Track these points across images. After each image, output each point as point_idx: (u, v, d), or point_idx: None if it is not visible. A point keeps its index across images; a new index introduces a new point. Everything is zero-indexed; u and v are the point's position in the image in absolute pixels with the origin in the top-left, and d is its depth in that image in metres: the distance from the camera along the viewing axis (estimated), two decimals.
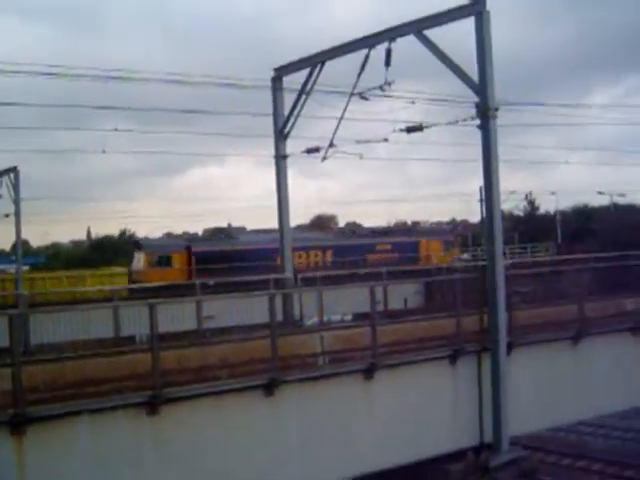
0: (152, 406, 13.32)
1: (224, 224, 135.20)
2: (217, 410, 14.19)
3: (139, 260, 51.40)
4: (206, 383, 14.19)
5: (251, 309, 17.77)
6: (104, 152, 32.42)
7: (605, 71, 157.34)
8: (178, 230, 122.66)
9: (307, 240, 56.10)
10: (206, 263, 47.88)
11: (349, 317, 21.93)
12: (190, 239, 63.22)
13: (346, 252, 54.78)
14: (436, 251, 59.29)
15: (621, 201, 75.48)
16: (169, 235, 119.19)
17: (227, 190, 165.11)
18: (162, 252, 52.10)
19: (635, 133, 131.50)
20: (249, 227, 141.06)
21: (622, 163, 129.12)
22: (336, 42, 21.13)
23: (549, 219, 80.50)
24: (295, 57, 22.45)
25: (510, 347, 17.58)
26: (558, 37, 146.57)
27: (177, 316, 19.14)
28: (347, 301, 20.56)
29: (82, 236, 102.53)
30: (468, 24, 17.44)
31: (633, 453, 26.79)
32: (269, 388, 14.58)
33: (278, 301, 17.73)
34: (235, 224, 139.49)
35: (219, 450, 14.15)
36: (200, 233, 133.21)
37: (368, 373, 15.89)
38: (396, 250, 57.52)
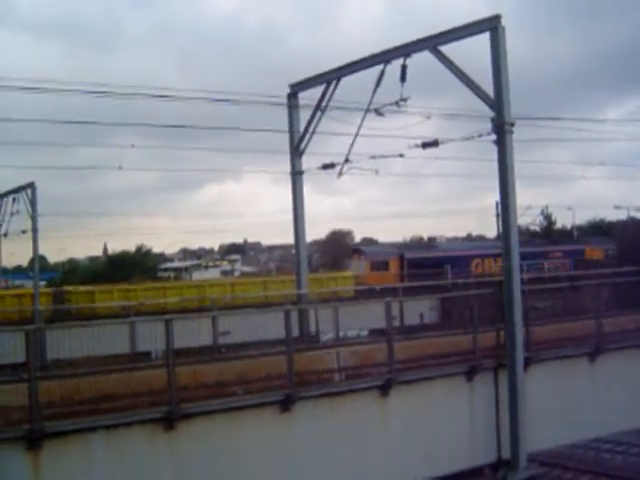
0: (169, 422, 13.34)
1: (240, 240, 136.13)
2: (233, 426, 14.18)
3: (361, 265, 56.49)
4: (222, 399, 14.19)
5: (267, 325, 17.75)
6: (120, 168, 32.54)
7: (618, 85, 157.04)
8: (194, 245, 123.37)
9: (484, 248, 60.60)
10: (415, 268, 52.66)
11: (365, 333, 21.86)
12: (400, 247, 67.74)
13: (522, 259, 56.26)
14: (599, 257, 61.81)
15: (638, 215, 75.03)
16: (185, 251, 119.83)
17: (243, 206, 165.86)
18: (380, 258, 57.58)
19: None
20: (265, 243, 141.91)
21: (638, 177, 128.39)
22: (348, 58, 21.27)
23: (566, 234, 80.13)
24: (306, 74, 22.57)
25: (527, 363, 17.47)
26: (567, 51, 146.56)
27: (193, 331, 19.14)
28: (363, 317, 20.49)
29: (98, 252, 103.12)
30: (483, 38, 17.46)
31: None
32: (285, 404, 14.56)
33: (294, 317, 17.72)
34: (251, 240, 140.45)
35: (235, 466, 14.13)
36: (216, 249, 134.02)
37: (384, 389, 15.84)
38: (567, 257, 60.61)
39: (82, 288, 45.08)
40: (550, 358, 18.48)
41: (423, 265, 52.54)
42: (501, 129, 17.15)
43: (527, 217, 70.60)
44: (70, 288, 45.27)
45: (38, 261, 36.00)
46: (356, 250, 63.90)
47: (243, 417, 14.26)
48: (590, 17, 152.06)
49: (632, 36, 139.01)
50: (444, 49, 18.57)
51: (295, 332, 18.04)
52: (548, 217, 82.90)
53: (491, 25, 17.28)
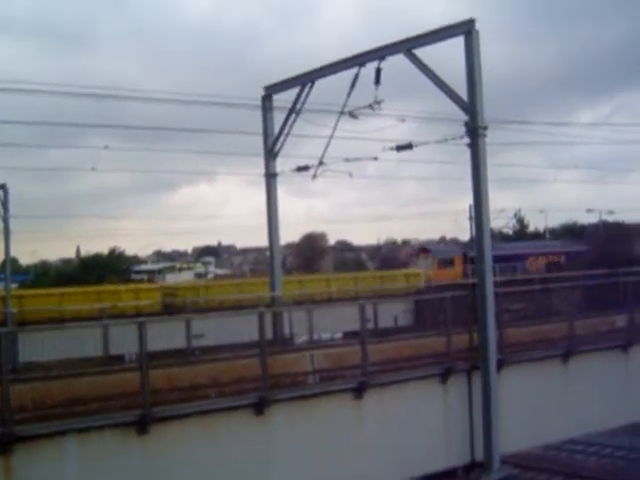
0: (142, 425, 13.23)
1: (214, 242, 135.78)
2: (207, 429, 14.10)
3: (428, 263, 61.48)
4: (196, 402, 14.12)
5: (241, 327, 17.70)
6: (94, 169, 32.36)
7: (591, 89, 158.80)
8: (167, 248, 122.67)
9: (536, 247, 67.27)
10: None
11: (339, 335, 21.88)
12: (464, 246, 68.76)
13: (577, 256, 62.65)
14: None
15: (610, 218, 75.87)
16: (158, 253, 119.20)
17: (217, 208, 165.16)
18: (447, 256, 62.84)
19: (622, 151, 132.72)
20: (239, 245, 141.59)
21: (610, 181, 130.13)
22: (324, 61, 21.28)
23: (539, 237, 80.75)
24: (282, 77, 22.55)
25: (500, 365, 17.57)
26: (543, 55, 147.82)
27: (167, 334, 19.05)
28: (337, 319, 20.50)
29: (71, 254, 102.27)
30: (458, 42, 17.55)
31: (623, 472, 26.73)
32: (259, 407, 14.50)
33: (268, 319, 17.69)
34: (225, 242, 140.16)
35: (209, 470, 14.05)
36: (189, 251, 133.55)
37: (358, 392, 15.83)
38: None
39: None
40: (523, 360, 18.58)
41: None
42: (474, 133, 17.25)
43: (500, 220, 71.27)
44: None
45: (10, 263, 35.67)
46: (423, 249, 68.77)
47: (217, 420, 14.19)
48: (566, 22, 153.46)
49: (607, 42, 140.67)
50: (419, 52, 18.64)
51: (270, 334, 18.03)
52: (521, 220, 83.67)
53: (465, 29, 17.38)
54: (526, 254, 64.51)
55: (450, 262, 61.19)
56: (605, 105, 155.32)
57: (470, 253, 59.41)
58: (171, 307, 37.24)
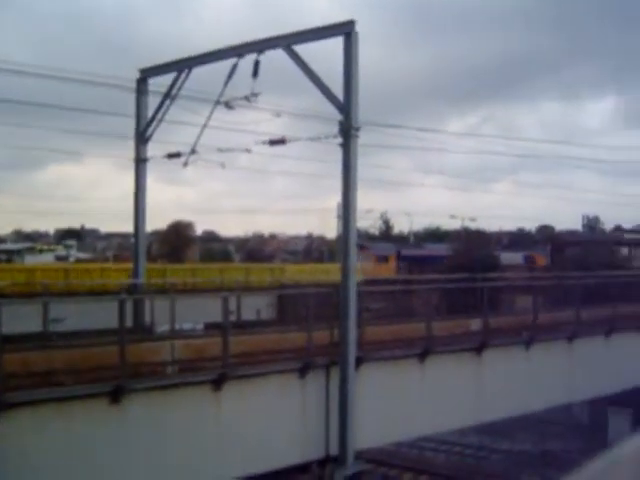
0: None
1: (77, 225, 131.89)
2: (61, 417, 13.70)
3: (367, 258, 64.30)
4: (50, 388, 13.69)
5: (102, 313, 17.27)
6: None
7: (460, 100, 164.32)
8: (27, 228, 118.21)
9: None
10: (407, 262, 69.83)
11: (200, 326, 21.70)
12: (398, 246, 78.14)
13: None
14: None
15: (472, 225, 78.72)
16: (18, 233, 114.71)
17: (84, 190, 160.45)
18: (383, 253, 69.86)
19: (486, 161, 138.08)
20: (103, 230, 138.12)
21: (474, 189, 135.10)
22: (205, 48, 21.03)
23: (403, 239, 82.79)
24: (161, 60, 22.14)
25: (359, 362, 17.86)
26: (419, 64, 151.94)
27: (25, 317, 18.36)
28: (201, 310, 20.33)
29: None
30: (339, 43, 17.71)
31: (471, 469, 27.86)
32: (116, 396, 14.21)
33: (129, 306, 17.34)
34: (89, 226, 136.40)
35: (62, 459, 13.68)
36: (51, 232, 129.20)
37: (218, 383, 15.76)
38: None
39: None
40: (381, 358, 18.96)
41: (414, 261, 69.59)
42: (347, 133, 17.47)
43: (367, 220, 73.00)
44: None
45: None
46: (362, 246, 71.52)
47: (72, 408, 13.80)
48: (443, 34, 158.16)
49: (479, 57, 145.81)
50: (299, 49, 18.69)
51: (131, 322, 17.69)
52: (387, 221, 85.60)
53: (345, 30, 17.56)
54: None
55: (385, 259, 68.05)
56: (472, 116, 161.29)
57: (403, 253, 72.02)
58: (29, 289, 35.88)
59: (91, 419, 14.10)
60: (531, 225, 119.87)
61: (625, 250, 66.82)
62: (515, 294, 30.76)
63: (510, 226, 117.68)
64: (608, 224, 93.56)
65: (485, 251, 62.14)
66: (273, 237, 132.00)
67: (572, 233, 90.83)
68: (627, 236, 74.35)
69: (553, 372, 23.05)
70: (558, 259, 64.21)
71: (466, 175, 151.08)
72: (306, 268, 56.78)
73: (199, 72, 21.49)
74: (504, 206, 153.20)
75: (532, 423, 29.99)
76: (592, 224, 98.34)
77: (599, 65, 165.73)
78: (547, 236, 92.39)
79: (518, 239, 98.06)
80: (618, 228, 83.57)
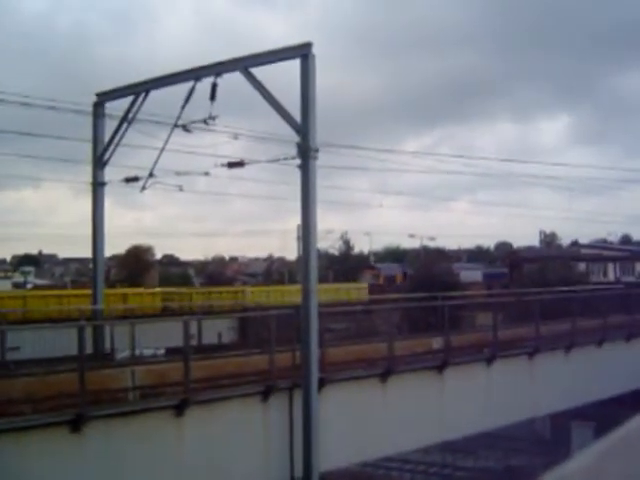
0: None
1: (34, 251, 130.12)
2: (20, 448, 13.45)
3: (376, 278, 73.00)
4: (7, 418, 13.43)
5: (61, 340, 17.06)
6: None
7: (417, 121, 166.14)
8: None
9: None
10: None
11: (162, 351, 21.52)
12: (403, 266, 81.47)
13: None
14: None
15: (431, 244, 79.30)
16: None
17: (40, 215, 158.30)
18: (391, 273, 75.36)
19: (444, 180, 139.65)
20: (61, 255, 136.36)
21: (432, 208, 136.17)
22: (161, 72, 20.96)
23: (363, 259, 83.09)
24: (117, 84, 22.02)
25: (322, 383, 17.82)
26: (376, 86, 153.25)
27: None
28: (162, 335, 20.15)
29: None
30: (297, 65, 17.78)
31: None
32: (76, 424, 13.99)
33: (89, 333, 17.14)
34: (46, 251, 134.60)
35: None
36: (8, 259, 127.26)
37: (179, 409, 15.61)
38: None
39: None
40: (344, 379, 18.95)
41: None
42: (306, 154, 17.52)
43: (327, 241, 73.08)
44: None
45: None
46: (370, 266, 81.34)
47: (31, 438, 13.55)
48: (393, 57, 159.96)
49: (434, 77, 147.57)
50: (257, 72, 18.73)
51: (90, 349, 17.47)
52: (347, 242, 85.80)
53: (302, 52, 17.66)
54: None
55: (393, 279, 73.27)
56: (429, 136, 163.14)
57: (408, 271, 73.79)
58: None
59: (50, 449, 13.86)
60: (489, 242, 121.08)
61: (583, 265, 67.66)
62: (475, 311, 30.99)
63: (469, 244, 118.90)
64: (565, 239, 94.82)
65: (445, 269, 62.51)
66: (233, 260, 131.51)
67: (530, 249, 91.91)
68: (584, 251, 75.39)
69: (515, 388, 23.20)
70: (516, 275, 64.85)
71: (424, 194, 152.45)
72: (268, 290, 56.75)
73: (156, 95, 21.41)
74: (462, 224, 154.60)
75: (495, 439, 30.11)
76: (549, 240, 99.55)
77: (550, 86, 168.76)
78: (505, 253, 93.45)
79: (477, 256, 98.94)
80: (575, 243, 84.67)
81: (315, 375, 17.38)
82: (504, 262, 78.08)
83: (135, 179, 21.97)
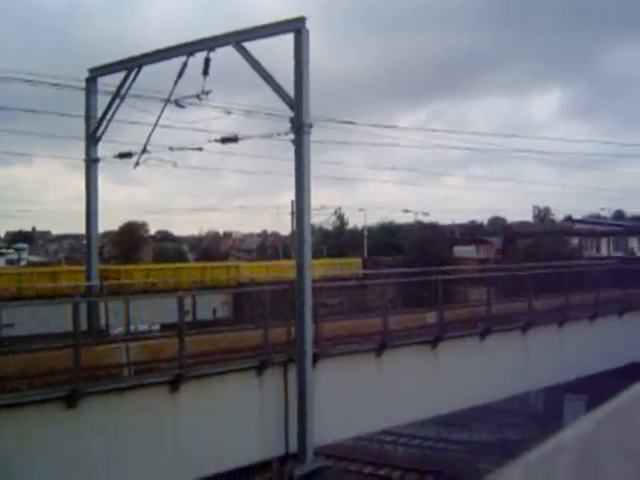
0: None
1: (28, 227, 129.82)
2: (16, 423, 13.51)
3: (490, 251, 71.75)
4: (3, 395, 13.46)
5: (55, 317, 17.06)
6: None
7: (410, 96, 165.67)
8: None
9: None
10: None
11: (157, 327, 21.56)
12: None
13: None
14: None
15: (425, 219, 79.27)
16: None
17: (34, 192, 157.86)
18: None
19: (437, 155, 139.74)
20: (55, 232, 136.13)
21: (426, 183, 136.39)
22: (154, 47, 20.83)
23: (357, 234, 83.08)
24: (110, 59, 21.87)
25: (316, 358, 17.90)
26: (370, 62, 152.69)
27: None
28: (156, 311, 20.19)
29: None
30: (290, 40, 17.67)
31: (430, 460, 28.07)
32: (71, 400, 14.04)
33: (83, 309, 17.15)
34: (40, 228, 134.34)
35: (19, 465, 13.45)
36: (2, 236, 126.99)
37: (174, 384, 15.67)
38: None
39: None
40: (338, 353, 19.01)
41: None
42: (299, 129, 17.47)
43: (321, 216, 72.95)
44: None
45: None
46: (485, 241, 79.84)
47: (27, 414, 13.61)
48: (387, 32, 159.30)
49: (428, 55, 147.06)
50: (250, 46, 18.62)
51: (85, 325, 17.48)
52: (341, 217, 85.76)
53: (296, 27, 17.55)
54: None
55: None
56: (422, 112, 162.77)
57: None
58: None
59: (47, 424, 13.90)
60: (483, 217, 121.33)
61: (576, 240, 67.78)
62: (469, 286, 31.06)
63: (463, 219, 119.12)
64: (558, 215, 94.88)
65: (440, 244, 62.45)
66: (227, 235, 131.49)
67: (523, 224, 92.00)
68: (577, 226, 75.50)
69: (508, 362, 23.35)
70: (510, 250, 64.96)
71: (418, 170, 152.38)
72: (262, 265, 56.73)
73: (149, 71, 21.28)
74: (456, 199, 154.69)
75: (489, 413, 30.33)
76: (542, 215, 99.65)
77: (543, 61, 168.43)
78: (499, 228, 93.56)
79: (471, 231, 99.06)
80: (568, 218, 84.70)
81: (309, 349, 17.45)
82: (498, 237, 78.27)
83: (128, 155, 21.89)
